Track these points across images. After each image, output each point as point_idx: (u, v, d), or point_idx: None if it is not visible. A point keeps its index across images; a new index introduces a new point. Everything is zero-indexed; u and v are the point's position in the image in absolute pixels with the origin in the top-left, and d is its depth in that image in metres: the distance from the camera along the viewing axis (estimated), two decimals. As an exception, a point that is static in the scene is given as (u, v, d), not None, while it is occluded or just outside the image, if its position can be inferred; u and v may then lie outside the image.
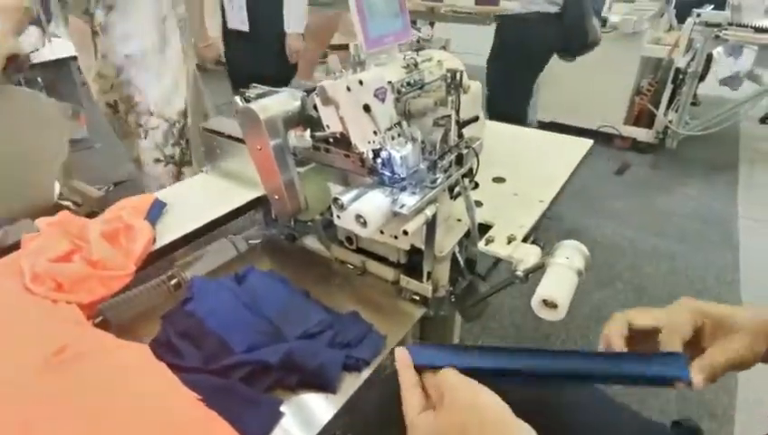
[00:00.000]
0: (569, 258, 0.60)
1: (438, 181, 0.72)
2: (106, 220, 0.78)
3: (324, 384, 0.64)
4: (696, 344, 0.47)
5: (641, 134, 3.23)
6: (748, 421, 1.48)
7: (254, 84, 0.82)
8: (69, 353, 0.53)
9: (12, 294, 0.64)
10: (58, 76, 2.45)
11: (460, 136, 0.79)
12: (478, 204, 0.94)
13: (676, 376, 0.43)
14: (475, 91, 0.88)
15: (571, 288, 0.56)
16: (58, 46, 2.46)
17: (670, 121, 3.15)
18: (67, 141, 1.81)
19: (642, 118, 3.26)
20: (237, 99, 0.80)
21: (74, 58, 2.35)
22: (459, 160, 0.77)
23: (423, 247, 0.77)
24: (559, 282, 0.56)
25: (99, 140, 3.41)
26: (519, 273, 0.73)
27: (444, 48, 0.90)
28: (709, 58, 3.21)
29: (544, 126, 3.59)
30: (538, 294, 0.55)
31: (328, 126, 0.73)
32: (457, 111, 0.74)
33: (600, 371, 0.45)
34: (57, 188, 1.89)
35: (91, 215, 2.44)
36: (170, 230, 0.86)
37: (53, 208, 1.90)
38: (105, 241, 0.72)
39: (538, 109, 3.58)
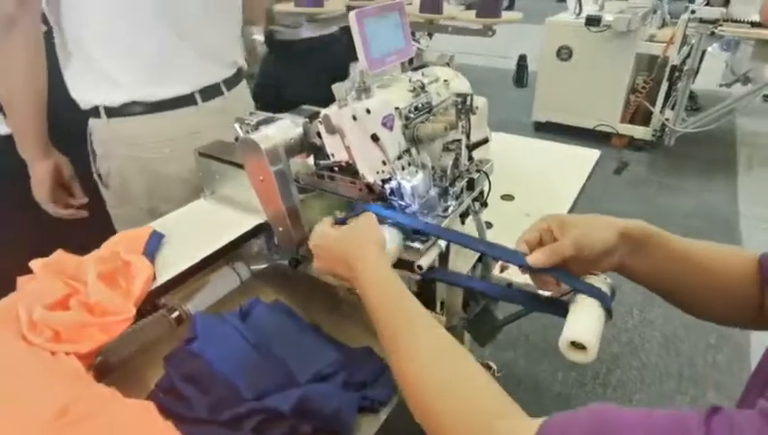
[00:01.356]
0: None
1: (450, 210, 0.69)
2: (102, 258, 0.74)
3: (340, 430, 0.61)
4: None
5: (638, 132, 3.22)
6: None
7: (252, 111, 0.79)
8: (72, 417, 0.50)
9: (10, 347, 0.61)
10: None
11: (470, 159, 0.76)
12: (488, 225, 0.91)
13: (520, 263, 0.59)
14: (481, 110, 0.85)
15: (600, 327, 0.54)
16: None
17: (667, 119, 3.14)
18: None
19: (638, 116, 3.25)
20: (237, 126, 0.77)
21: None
22: (470, 185, 0.74)
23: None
24: (587, 321, 0.53)
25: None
26: (537, 301, 0.70)
27: (448, 64, 0.87)
28: (704, 54, 3.20)
29: (541, 126, 3.58)
30: (565, 337, 0.52)
31: (333, 154, 0.70)
32: (468, 136, 0.71)
33: (480, 247, 0.67)
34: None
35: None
36: (170, 264, 0.82)
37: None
38: (102, 283, 0.69)
39: (534, 109, 3.57)
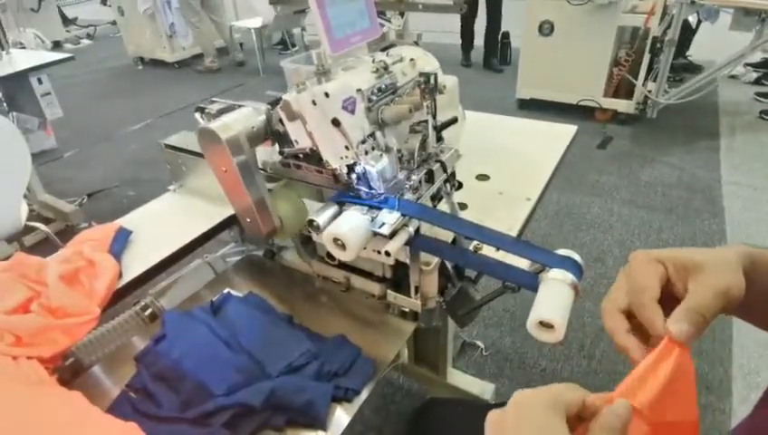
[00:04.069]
0: (562, 271, 0.56)
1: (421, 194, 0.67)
2: (65, 258, 0.72)
3: (313, 421, 0.60)
4: (670, 294, 0.41)
5: (621, 106, 3.21)
6: (745, 392, 1.49)
7: (214, 98, 0.76)
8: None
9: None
10: (18, 89, 2.32)
11: (439, 140, 0.74)
12: (463, 206, 0.90)
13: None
14: (451, 89, 0.83)
15: (568, 304, 0.53)
16: (17, 58, 2.34)
17: (649, 91, 3.13)
18: (29, 159, 1.72)
19: (622, 89, 3.23)
20: (197, 115, 0.75)
21: (32, 69, 2.23)
22: (441, 167, 0.72)
23: (408, 262, 0.73)
24: (554, 300, 0.53)
25: (69, 149, 3.30)
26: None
27: (416, 43, 0.84)
28: (685, 25, 3.17)
29: (524, 103, 3.55)
30: (533, 316, 0.52)
31: (296, 142, 0.68)
32: (434, 117, 0.69)
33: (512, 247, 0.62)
34: (25, 209, 1.80)
35: (66, 230, 2.34)
36: (138, 260, 0.80)
37: (22, 232, 1.82)
38: (64, 284, 0.67)
39: (518, 86, 3.54)
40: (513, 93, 3.59)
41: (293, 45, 5.26)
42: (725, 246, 0.42)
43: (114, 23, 5.68)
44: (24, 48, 4.00)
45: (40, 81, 2.26)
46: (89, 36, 6.49)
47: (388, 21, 1.23)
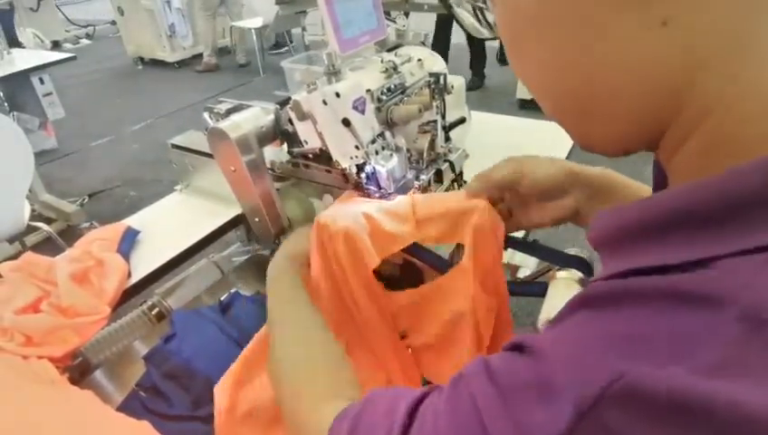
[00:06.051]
0: (571, 270, 0.57)
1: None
2: (74, 258, 0.72)
3: (324, 420, 0.60)
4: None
5: (622, 105, 3.22)
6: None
7: (221, 98, 0.77)
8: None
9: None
10: (19, 89, 2.32)
11: (448, 140, 0.74)
12: (470, 206, 0.90)
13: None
14: (458, 89, 0.83)
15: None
16: (18, 58, 2.34)
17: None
18: (32, 159, 1.72)
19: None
20: (206, 115, 0.75)
21: (34, 69, 2.23)
22: (449, 167, 0.72)
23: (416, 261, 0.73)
24: (563, 299, 0.53)
25: (69, 149, 3.30)
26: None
27: (423, 43, 0.85)
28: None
29: (525, 103, 3.56)
30: (543, 316, 0.52)
31: (306, 141, 0.68)
32: (443, 116, 0.69)
33: None
34: (28, 209, 1.80)
35: (68, 231, 2.34)
36: (146, 260, 0.80)
37: (24, 232, 1.82)
38: (74, 283, 0.67)
39: (519, 86, 3.54)
40: (513, 93, 3.60)
41: (291, 41, 5.26)
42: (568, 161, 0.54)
43: (114, 23, 5.67)
44: (23, 48, 4.00)
45: (41, 80, 2.26)
46: (88, 36, 6.48)
47: (393, 21, 1.23)
